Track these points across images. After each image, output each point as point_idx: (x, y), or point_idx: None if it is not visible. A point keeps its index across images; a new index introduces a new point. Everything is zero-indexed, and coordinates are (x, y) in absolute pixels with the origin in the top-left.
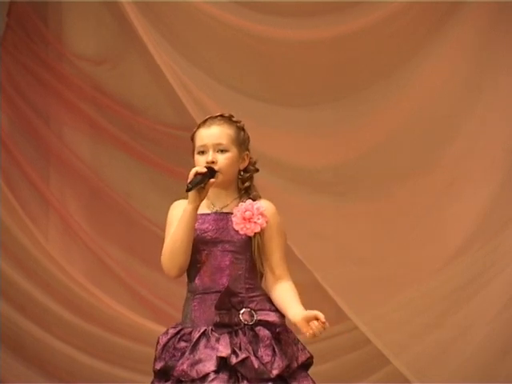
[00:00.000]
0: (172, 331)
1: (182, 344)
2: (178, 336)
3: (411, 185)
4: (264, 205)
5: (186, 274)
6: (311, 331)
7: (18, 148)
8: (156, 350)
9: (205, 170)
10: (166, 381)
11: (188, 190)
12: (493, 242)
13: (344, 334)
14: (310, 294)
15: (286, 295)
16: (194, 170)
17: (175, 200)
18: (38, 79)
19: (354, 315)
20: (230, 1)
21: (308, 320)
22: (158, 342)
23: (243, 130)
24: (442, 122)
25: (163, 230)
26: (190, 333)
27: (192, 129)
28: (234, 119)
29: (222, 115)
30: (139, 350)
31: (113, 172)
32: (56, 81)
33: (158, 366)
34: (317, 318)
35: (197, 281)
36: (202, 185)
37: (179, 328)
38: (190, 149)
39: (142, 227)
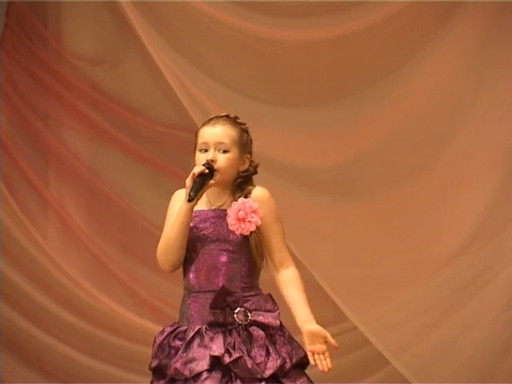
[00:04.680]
0: (168, 330)
1: (177, 342)
2: (173, 334)
3: (411, 185)
4: (257, 192)
5: (182, 270)
6: (318, 364)
7: (16, 148)
8: (153, 348)
9: (205, 170)
10: (162, 379)
11: (191, 200)
12: (493, 243)
13: (343, 334)
14: (309, 294)
15: (291, 292)
16: (191, 174)
17: None
18: (37, 79)
19: (354, 315)
20: (231, 1)
21: (314, 336)
22: (154, 341)
23: (247, 132)
24: (441, 122)
25: (162, 230)
26: (185, 331)
27: (191, 129)
28: (238, 121)
29: (227, 116)
30: (138, 351)
31: (112, 173)
32: (55, 81)
33: (154, 364)
34: (326, 340)
35: (192, 279)
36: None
37: (175, 326)
38: (189, 149)
39: (140, 227)
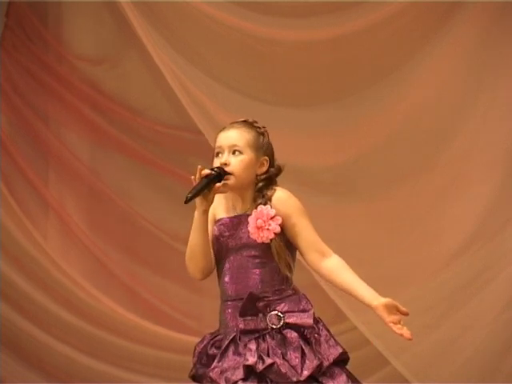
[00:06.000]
0: (208, 338)
1: (214, 351)
2: (211, 343)
3: (411, 185)
4: (277, 196)
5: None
6: (403, 333)
7: (17, 149)
8: (193, 357)
9: (211, 172)
10: None
11: (187, 201)
12: (493, 243)
13: (343, 334)
14: (309, 293)
15: (346, 276)
16: (197, 175)
17: (174, 200)
18: (37, 80)
19: (354, 316)
20: (231, 1)
21: (389, 308)
22: (194, 349)
23: (263, 135)
24: (441, 122)
25: (162, 230)
26: (222, 339)
27: (191, 129)
28: (256, 124)
29: (245, 120)
30: (138, 351)
31: (112, 173)
32: (55, 81)
33: (192, 373)
34: (397, 309)
35: (227, 288)
36: (207, 190)
37: (215, 335)
38: (189, 149)
39: (140, 228)
